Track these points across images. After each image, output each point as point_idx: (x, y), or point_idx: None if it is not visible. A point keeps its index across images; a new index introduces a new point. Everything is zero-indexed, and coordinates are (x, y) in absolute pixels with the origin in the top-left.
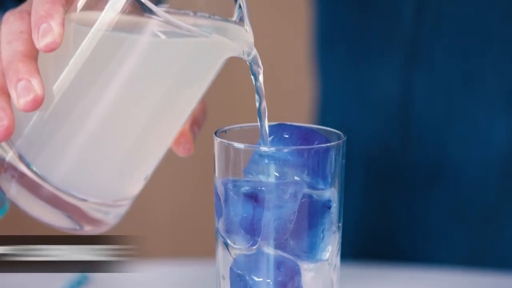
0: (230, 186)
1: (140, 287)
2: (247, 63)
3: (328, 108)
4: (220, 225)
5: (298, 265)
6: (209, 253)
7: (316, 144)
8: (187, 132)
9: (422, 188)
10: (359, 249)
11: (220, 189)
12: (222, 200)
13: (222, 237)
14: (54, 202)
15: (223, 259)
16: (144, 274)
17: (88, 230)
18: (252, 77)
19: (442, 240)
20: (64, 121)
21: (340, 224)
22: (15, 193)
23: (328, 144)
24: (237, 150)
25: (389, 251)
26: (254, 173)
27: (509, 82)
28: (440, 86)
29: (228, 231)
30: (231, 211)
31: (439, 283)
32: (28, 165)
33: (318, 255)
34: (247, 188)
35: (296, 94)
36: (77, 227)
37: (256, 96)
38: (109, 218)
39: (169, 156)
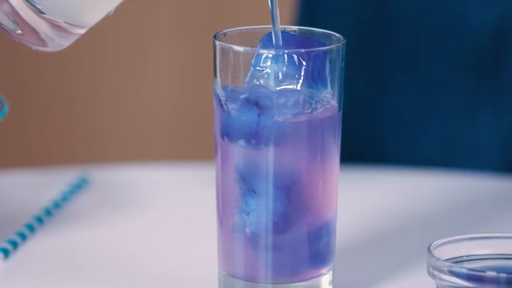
0: (231, 93)
1: (139, 190)
2: None
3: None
4: (220, 130)
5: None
6: (208, 157)
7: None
8: None
9: (397, 79)
10: None
11: (220, 93)
12: (222, 105)
13: (221, 142)
14: (13, 12)
15: (223, 164)
16: (144, 177)
17: (27, 42)
18: None
19: (416, 134)
20: None
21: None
22: None
23: (328, 47)
24: (236, 53)
25: (362, 144)
26: (255, 80)
27: None
28: None
29: (228, 136)
30: (231, 117)
31: (418, 182)
32: None
33: None
34: (247, 95)
35: None
36: (19, 31)
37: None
38: (52, 43)
39: (169, 64)
